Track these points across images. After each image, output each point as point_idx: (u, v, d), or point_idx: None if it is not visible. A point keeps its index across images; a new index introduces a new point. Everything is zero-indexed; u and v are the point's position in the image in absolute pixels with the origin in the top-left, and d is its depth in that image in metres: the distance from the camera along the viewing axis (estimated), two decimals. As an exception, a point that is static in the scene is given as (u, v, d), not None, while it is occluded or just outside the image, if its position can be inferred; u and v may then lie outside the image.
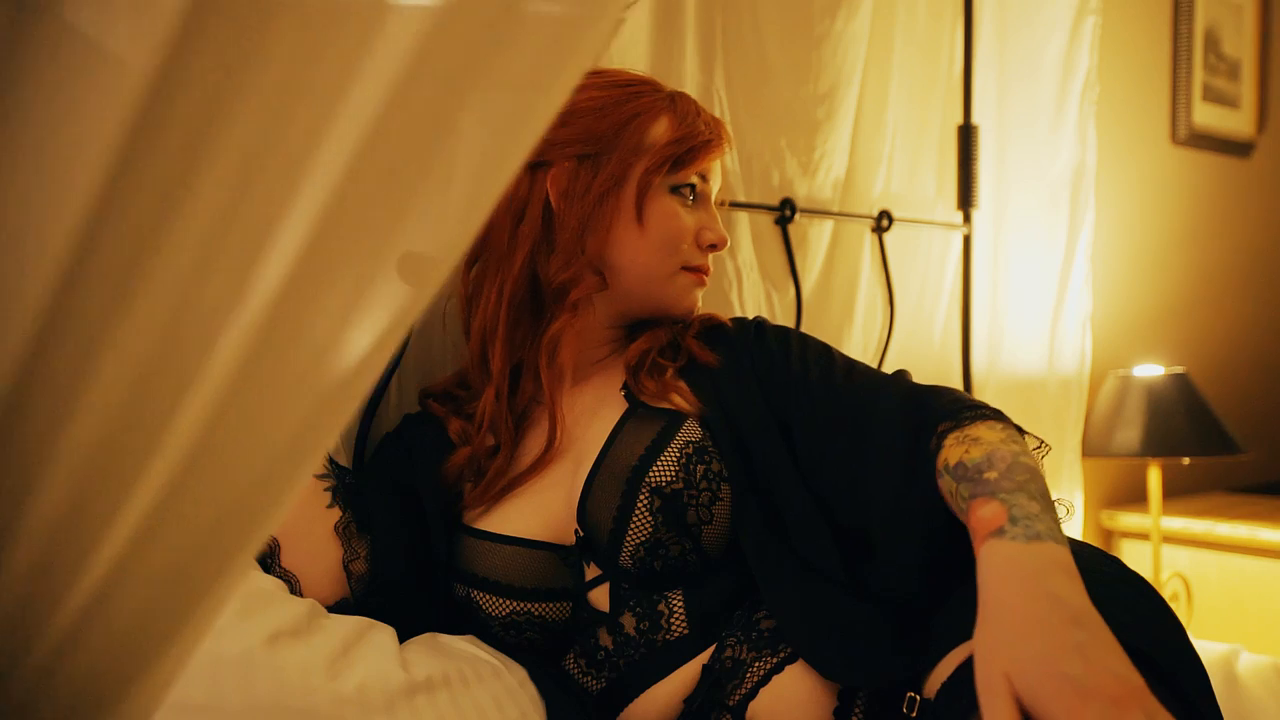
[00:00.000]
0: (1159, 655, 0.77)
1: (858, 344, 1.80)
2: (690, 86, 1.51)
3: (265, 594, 0.91)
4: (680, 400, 1.02)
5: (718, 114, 1.47)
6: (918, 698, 0.85)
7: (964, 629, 0.74)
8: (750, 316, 1.13)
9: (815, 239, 1.73)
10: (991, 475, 0.81)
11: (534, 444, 1.06)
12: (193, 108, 0.33)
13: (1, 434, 0.35)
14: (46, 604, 0.38)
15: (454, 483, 1.07)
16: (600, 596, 1.01)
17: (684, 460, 0.97)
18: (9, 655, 0.38)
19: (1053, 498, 0.81)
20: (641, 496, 0.97)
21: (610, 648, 1.00)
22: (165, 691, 0.43)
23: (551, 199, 1.04)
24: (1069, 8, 2.10)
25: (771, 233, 1.67)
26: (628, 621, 0.99)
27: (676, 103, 1.07)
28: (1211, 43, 2.69)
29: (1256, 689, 1.31)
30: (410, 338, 1.21)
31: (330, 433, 0.40)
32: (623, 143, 1.03)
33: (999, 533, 0.75)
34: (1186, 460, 2.21)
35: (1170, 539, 2.29)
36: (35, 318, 0.34)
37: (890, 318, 1.85)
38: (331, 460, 1.05)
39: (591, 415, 1.06)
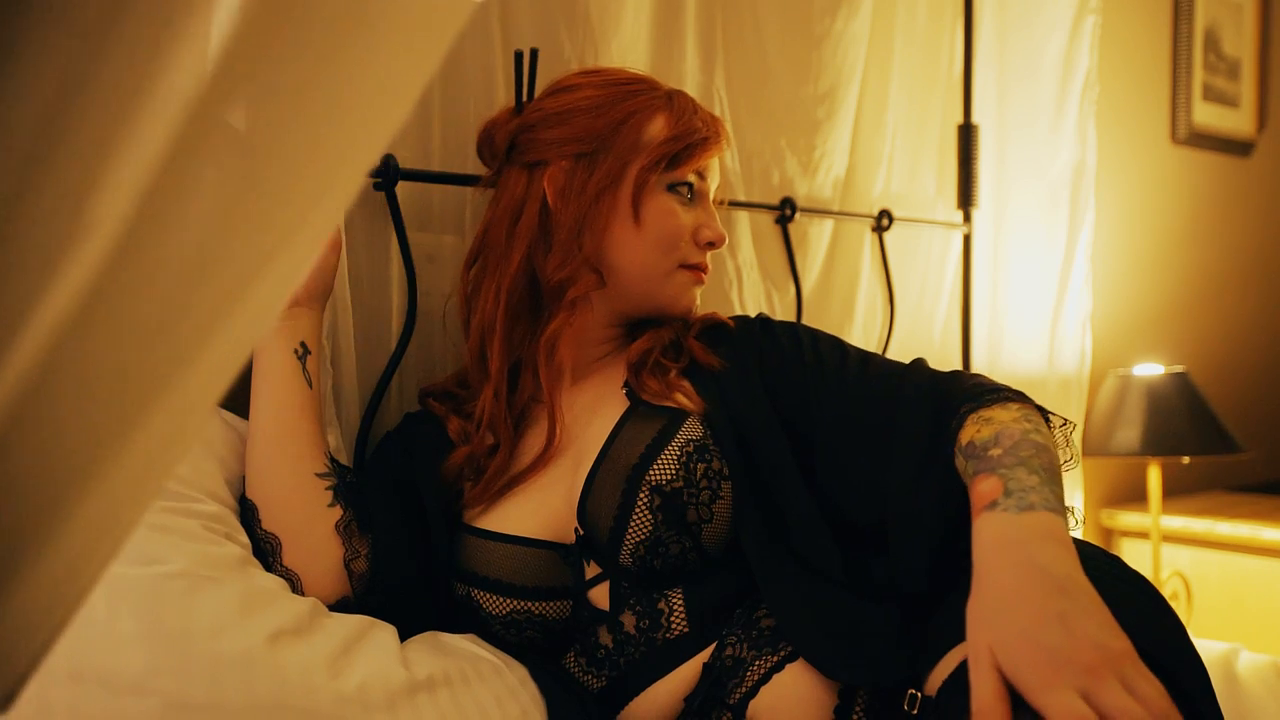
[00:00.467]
0: (1159, 654, 0.77)
1: (857, 343, 1.79)
2: (690, 86, 1.51)
3: (266, 593, 0.91)
4: (683, 399, 1.02)
5: (718, 113, 1.47)
6: (919, 695, 0.85)
7: (965, 626, 0.74)
8: (751, 315, 1.13)
9: (815, 238, 1.74)
10: (995, 452, 0.81)
11: (534, 443, 1.06)
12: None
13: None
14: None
15: (454, 481, 1.07)
16: (600, 595, 1.01)
17: (684, 458, 0.97)
18: None
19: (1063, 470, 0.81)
20: (642, 495, 0.96)
21: (610, 646, 1.00)
22: (109, 540, 0.39)
23: (549, 198, 1.04)
24: (1069, 7, 2.10)
25: (772, 232, 1.67)
26: (628, 620, 0.99)
27: (673, 101, 1.07)
28: (1211, 42, 2.69)
29: (1256, 688, 1.31)
30: (411, 337, 1.21)
31: None
32: (619, 141, 1.03)
33: (992, 506, 0.76)
34: (1186, 459, 2.21)
35: (1170, 538, 2.29)
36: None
37: (890, 317, 1.85)
38: (332, 459, 1.05)
39: (592, 414, 1.06)
